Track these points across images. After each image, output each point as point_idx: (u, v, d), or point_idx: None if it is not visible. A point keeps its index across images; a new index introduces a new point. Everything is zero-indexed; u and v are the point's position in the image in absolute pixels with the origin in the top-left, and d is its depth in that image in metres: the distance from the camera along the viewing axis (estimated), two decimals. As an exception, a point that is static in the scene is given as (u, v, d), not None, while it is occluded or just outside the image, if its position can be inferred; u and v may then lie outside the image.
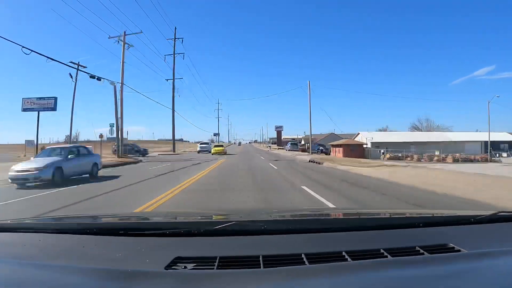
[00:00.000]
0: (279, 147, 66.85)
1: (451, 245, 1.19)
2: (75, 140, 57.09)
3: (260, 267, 1.02)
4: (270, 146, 79.33)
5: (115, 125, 26.34)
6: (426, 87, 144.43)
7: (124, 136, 29.19)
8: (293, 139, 69.05)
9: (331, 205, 6.54)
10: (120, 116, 25.88)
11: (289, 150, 49.52)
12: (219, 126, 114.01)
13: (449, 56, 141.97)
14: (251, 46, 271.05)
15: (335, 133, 63.36)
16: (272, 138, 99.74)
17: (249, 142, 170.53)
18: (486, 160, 36.84)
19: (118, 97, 25.73)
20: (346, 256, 1.08)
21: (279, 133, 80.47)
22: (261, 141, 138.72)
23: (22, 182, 10.12)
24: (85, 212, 5.37)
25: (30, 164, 10.68)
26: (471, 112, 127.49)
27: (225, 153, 36.08)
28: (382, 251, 1.12)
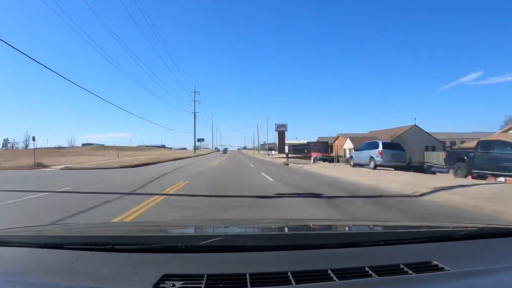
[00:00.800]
0: (280, 154, 51.46)
1: (435, 262, 1.21)
2: None
3: (247, 286, 1.03)
4: (272, 153, 61.62)
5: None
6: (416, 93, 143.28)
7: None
8: (298, 144, 55.37)
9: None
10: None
11: (317, 161, 30.16)
12: (195, 125, 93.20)
13: (437, 62, 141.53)
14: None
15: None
16: (270, 144, 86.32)
17: (238, 149, 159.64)
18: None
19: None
20: (332, 275, 1.10)
21: (281, 135, 63.12)
22: (253, 147, 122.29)
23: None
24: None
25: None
26: (457, 117, 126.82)
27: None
28: (367, 269, 1.14)
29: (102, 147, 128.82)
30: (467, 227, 1.70)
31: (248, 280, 1.06)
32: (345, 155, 44.09)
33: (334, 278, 1.08)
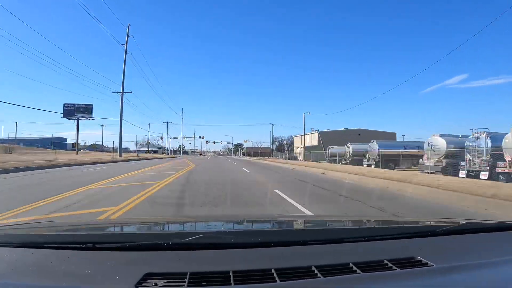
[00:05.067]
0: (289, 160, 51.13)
1: (419, 258, 1.22)
2: None
3: (230, 284, 1.02)
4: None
5: None
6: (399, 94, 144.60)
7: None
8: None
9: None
10: None
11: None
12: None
13: (421, 64, 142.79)
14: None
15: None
16: (261, 148, 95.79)
17: (219, 154, 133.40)
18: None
19: None
20: (316, 271, 1.09)
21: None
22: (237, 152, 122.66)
23: None
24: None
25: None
26: (439, 120, 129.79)
27: None
28: (351, 265, 1.14)
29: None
30: (451, 222, 1.73)
31: (231, 277, 1.04)
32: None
33: (318, 274, 1.08)
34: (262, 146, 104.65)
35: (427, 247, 1.35)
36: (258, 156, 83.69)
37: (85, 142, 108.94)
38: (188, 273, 1.06)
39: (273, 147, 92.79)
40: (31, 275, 1.07)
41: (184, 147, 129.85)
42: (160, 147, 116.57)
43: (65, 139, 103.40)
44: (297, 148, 60.75)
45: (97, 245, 1.29)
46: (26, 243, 1.34)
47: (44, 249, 1.27)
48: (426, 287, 1.06)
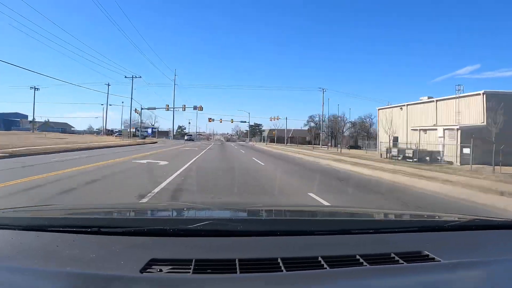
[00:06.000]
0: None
1: (426, 252, 1.21)
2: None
3: (236, 272, 1.01)
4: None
5: None
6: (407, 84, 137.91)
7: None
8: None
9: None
10: None
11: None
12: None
13: (432, 54, 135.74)
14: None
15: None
16: (293, 131, 68.41)
17: (228, 139, 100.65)
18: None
19: None
20: (322, 262, 1.09)
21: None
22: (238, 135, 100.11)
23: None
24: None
25: None
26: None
27: None
28: (358, 257, 1.13)
29: None
30: (459, 218, 1.71)
31: (237, 265, 1.04)
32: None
33: (325, 265, 1.07)
34: (294, 129, 72.99)
35: (434, 242, 1.34)
36: (288, 143, 59.65)
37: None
38: (194, 260, 1.06)
39: (322, 133, 58.58)
40: (36, 258, 1.08)
41: (184, 129, 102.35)
42: (154, 127, 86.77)
43: (26, 116, 76.68)
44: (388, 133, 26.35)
45: (102, 229, 1.29)
46: (31, 226, 1.34)
47: (49, 232, 1.28)
48: (432, 282, 1.04)
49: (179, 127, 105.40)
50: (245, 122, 76.13)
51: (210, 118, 70.97)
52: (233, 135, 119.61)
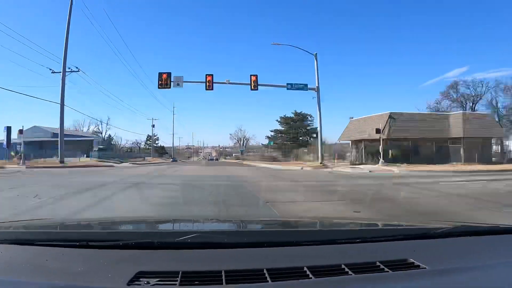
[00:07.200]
0: None
1: (411, 260, 1.23)
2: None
3: (222, 283, 1.02)
4: None
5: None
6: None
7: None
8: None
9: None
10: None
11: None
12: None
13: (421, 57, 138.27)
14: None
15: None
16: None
17: (214, 158, 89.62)
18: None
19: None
20: (308, 272, 1.10)
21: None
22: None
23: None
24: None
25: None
26: None
27: None
28: (343, 266, 1.15)
29: None
30: (444, 225, 1.74)
31: (223, 277, 1.05)
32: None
33: (310, 275, 1.08)
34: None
35: (420, 250, 1.35)
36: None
37: None
38: (180, 272, 1.07)
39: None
40: (25, 272, 1.09)
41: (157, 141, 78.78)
42: (99, 134, 69.33)
43: None
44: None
45: (90, 243, 1.30)
46: (19, 240, 1.35)
47: (38, 247, 1.29)
48: None
49: (148, 136, 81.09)
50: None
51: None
52: (232, 148, 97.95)
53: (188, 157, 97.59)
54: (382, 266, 1.16)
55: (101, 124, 72.54)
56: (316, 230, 1.90)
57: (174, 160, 66.69)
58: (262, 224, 2.20)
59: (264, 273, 1.08)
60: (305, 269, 1.12)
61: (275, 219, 2.77)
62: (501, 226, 1.74)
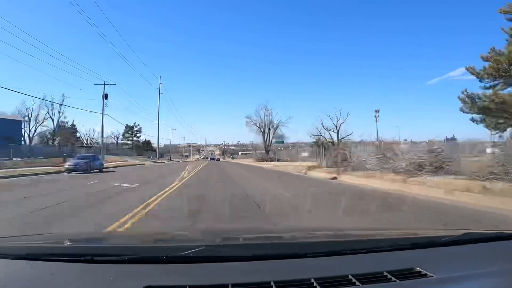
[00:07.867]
0: None
1: (418, 269, 1.23)
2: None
3: None
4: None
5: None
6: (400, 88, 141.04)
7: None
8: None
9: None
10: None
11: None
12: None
13: (424, 56, 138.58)
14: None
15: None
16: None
17: (215, 158, 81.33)
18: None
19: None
20: (315, 284, 1.10)
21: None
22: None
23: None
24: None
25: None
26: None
27: None
28: (350, 277, 1.15)
29: None
30: (450, 233, 1.73)
31: None
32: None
33: (318, 287, 1.08)
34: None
35: (426, 258, 1.35)
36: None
37: None
38: (187, 286, 1.06)
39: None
40: (31, 287, 1.08)
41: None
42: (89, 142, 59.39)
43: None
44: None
45: (95, 258, 1.29)
46: (25, 256, 1.34)
47: (44, 262, 1.28)
48: None
49: (127, 127, 73.15)
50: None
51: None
52: (237, 146, 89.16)
53: (186, 155, 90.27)
54: (389, 276, 1.16)
55: (52, 106, 56.94)
56: (322, 241, 1.89)
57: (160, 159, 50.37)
58: (269, 236, 2.18)
59: (272, 286, 1.08)
60: (312, 280, 1.11)
61: (280, 231, 2.76)
62: (505, 232, 1.73)
